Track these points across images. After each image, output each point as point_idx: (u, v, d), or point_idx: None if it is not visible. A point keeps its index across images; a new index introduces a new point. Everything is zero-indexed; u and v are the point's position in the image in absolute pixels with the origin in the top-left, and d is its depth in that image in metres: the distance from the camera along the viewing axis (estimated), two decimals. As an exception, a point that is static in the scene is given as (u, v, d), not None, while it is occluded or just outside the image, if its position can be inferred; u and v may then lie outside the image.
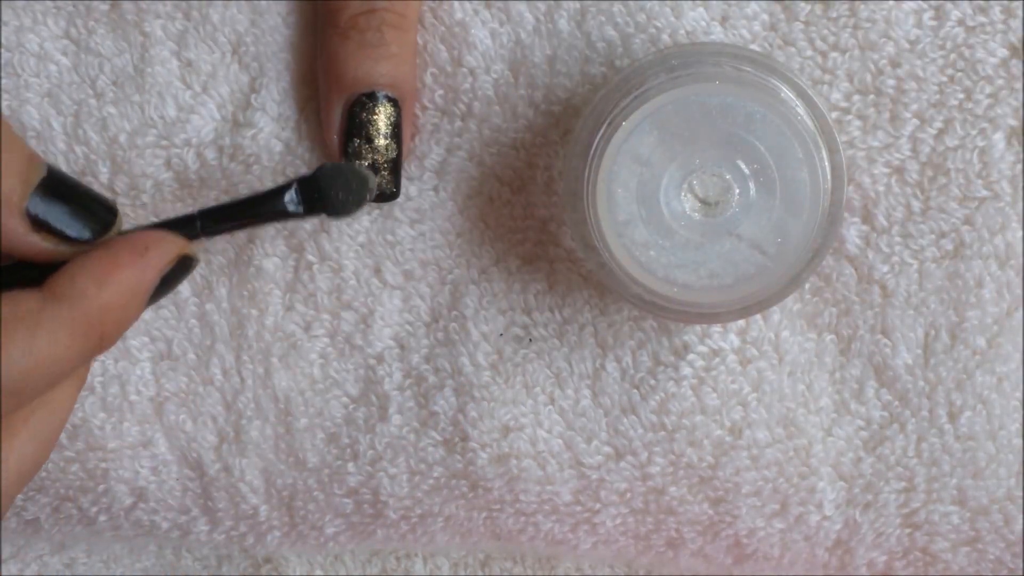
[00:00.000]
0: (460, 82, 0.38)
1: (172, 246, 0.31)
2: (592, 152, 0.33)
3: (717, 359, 0.39)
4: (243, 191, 0.39)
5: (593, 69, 0.38)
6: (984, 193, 0.37)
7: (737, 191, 0.32)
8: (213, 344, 0.40)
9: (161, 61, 0.38)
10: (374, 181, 0.35)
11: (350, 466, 0.40)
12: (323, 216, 0.33)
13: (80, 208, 0.30)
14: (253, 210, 0.33)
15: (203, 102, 0.39)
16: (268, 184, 0.38)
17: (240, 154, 0.39)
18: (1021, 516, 0.39)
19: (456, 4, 0.38)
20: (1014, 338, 0.38)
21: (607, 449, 0.39)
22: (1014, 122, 0.37)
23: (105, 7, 0.38)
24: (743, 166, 0.32)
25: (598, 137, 0.33)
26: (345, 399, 0.40)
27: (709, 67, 0.34)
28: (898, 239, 0.38)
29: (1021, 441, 0.39)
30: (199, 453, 0.40)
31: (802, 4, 0.37)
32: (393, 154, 0.37)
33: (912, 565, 0.40)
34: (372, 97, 0.36)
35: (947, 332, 0.38)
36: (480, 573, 0.44)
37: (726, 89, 0.32)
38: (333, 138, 0.37)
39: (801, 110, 0.33)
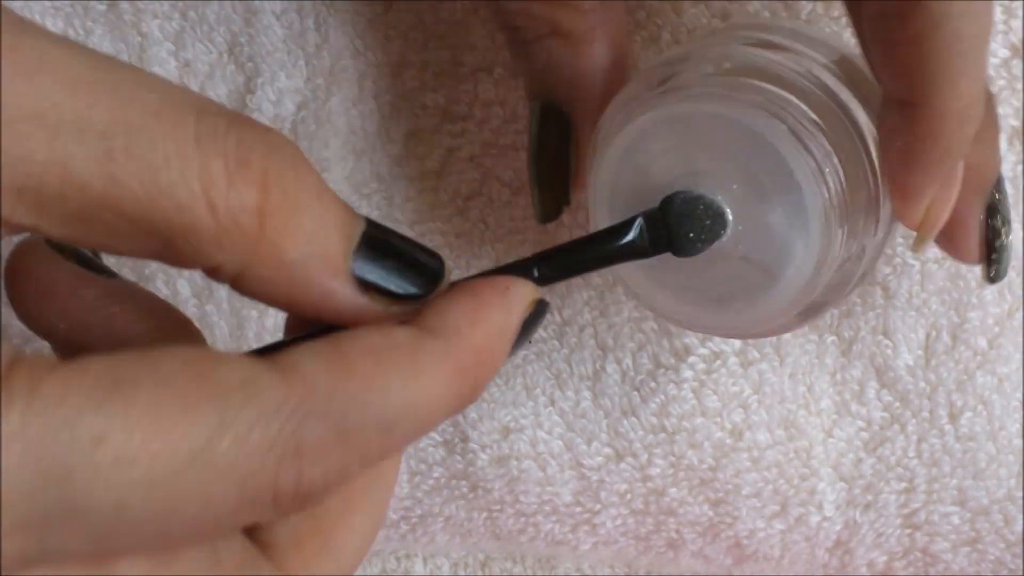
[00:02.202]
0: (461, 82, 0.38)
1: (528, 289, 0.26)
2: (629, 111, 0.30)
3: (718, 361, 0.39)
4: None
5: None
6: (986, 194, 0.37)
7: (732, 216, 0.29)
8: (213, 345, 0.40)
9: (159, 61, 0.38)
10: (727, 215, 0.30)
11: (350, 466, 0.40)
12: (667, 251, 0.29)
13: (407, 262, 0.26)
14: (595, 252, 0.28)
15: (201, 103, 0.38)
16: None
17: (239, 155, 0.38)
18: (1021, 516, 0.39)
19: (456, 4, 0.38)
20: (1015, 339, 0.38)
21: (607, 450, 0.39)
22: (1015, 122, 0.37)
23: (103, 7, 0.38)
24: (744, 182, 0.29)
25: (593, 156, 0.31)
26: (345, 400, 0.40)
27: (710, 82, 0.31)
28: (900, 240, 0.38)
29: (1021, 442, 0.39)
30: (199, 455, 0.40)
31: (804, 3, 0.37)
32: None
33: (912, 565, 0.40)
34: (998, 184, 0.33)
35: (948, 333, 0.38)
36: (480, 573, 0.44)
37: (756, 114, 0.28)
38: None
39: (809, 115, 0.29)
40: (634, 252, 0.28)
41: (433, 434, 0.39)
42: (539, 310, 0.27)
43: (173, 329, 0.27)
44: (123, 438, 0.20)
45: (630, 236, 0.28)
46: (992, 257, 0.33)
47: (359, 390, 0.23)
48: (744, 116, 0.29)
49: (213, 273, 0.24)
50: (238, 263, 0.24)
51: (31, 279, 0.27)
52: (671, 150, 0.29)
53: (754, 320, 0.30)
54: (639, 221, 0.28)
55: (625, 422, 0.39)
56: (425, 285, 0.26)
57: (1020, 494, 0.39)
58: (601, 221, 0.30)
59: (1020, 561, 0.39)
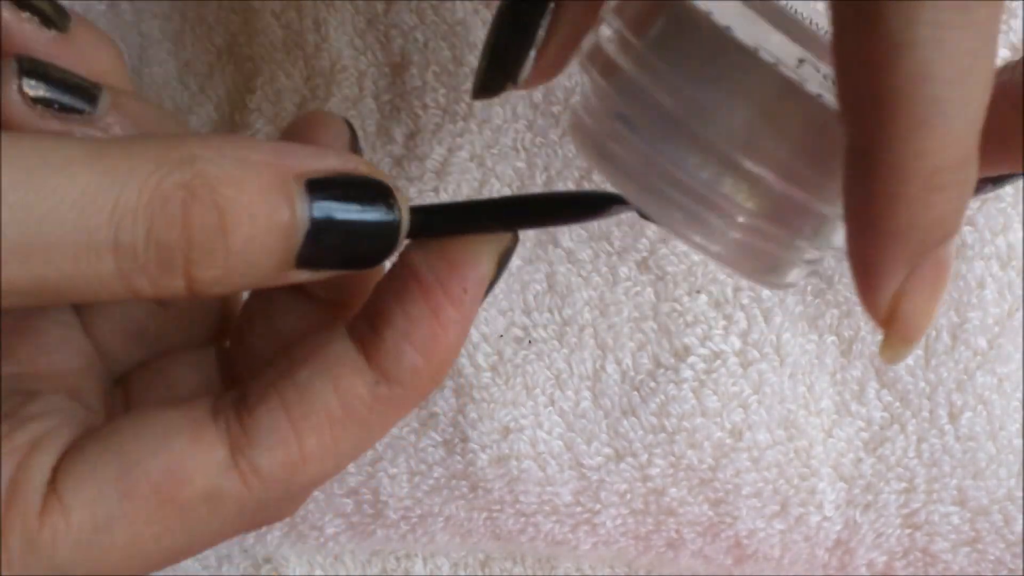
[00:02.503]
0: (461, 82, 0.38)
1: (486, 274, 0.26)
2: None
3: (718, 361, 0.39)
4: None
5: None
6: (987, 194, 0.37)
7: None
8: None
9: (159, 61, 0.38)
10: None
11: (350, 466, 0.40)
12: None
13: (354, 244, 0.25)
14: (565, 208, 0.27)
15: (201, 103, 0.38)
16: None
17: (238, 155, 0.38)
18: (1021, 516, 0.39)
19: (457, 4, 0.37)
20: (1015, 339, 0.38)
21: (607, 450, 0.39)
22: (1016, 122, 0.37)
23: (102, 7, 0.38)
24: None
25: None
26: (345, 400, 0.40)
27: None
28: (899, 240, 0.38)
29: (1021, 442, 0.39)
30: (198, 455, 0.40)
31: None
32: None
33: (912, 565, 0.40)
34: None
35: (948, 333, 0.38)
36: (480, 573, 0.44)
37: None
38: None
39: None
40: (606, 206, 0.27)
41: (433, 434, 0.39)
42: (503, 263, 0.27)
43: None
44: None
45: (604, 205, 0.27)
46: None
47: (312, 472, 0.26)
48: None
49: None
50: None
51: None
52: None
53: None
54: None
55: (625, 422, 0.39)
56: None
57: (1020, 494, 0.39)
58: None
59: (1020, 561, 0.39)
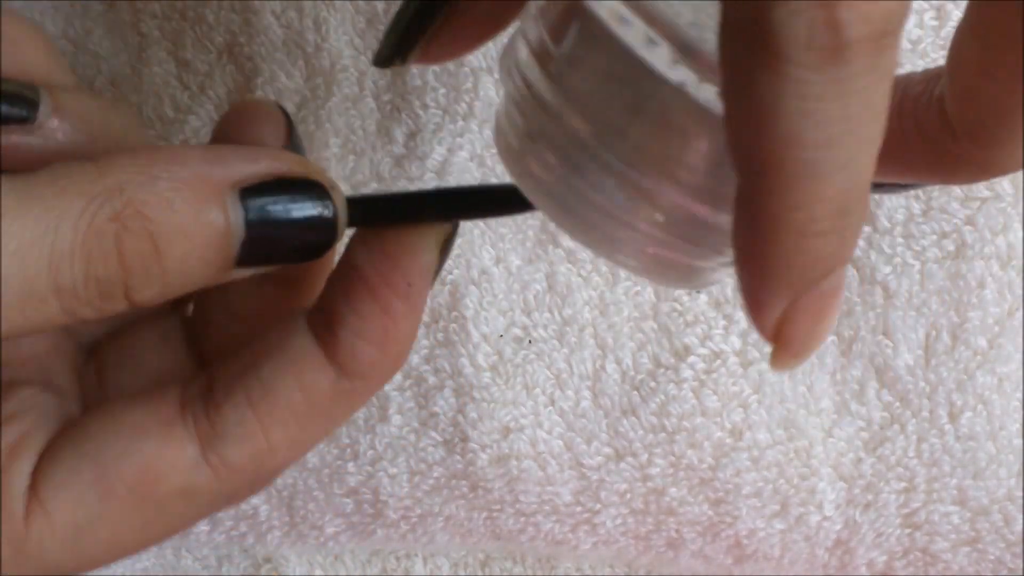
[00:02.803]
0: (462, 82, 0.38)
1: (431, 265, 0.27)
2: None
3: (718, 361, 0.39)
4: None
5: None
6: (985, 193, 0.37)
7: None
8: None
9: (158, 61, 0.38)
10: None
11: (350, 466, 0.40)
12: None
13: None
14: (487, 204, 0.28)
15: (201, 103, 0.38)
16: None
17: (238, 155, 0.38)
18: (1021, 516, 0.39)
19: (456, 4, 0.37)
20: (1015, 339, 0.38)
21: (607, 450, 0.39)
22: (1016, 122, 0.37)
23: (101, 7, 0.38)
24: None
25: None
26: (345, 400, 0.40)
27: None
28: (900, 240, 0.38)
29: (1021, 441, 0.39)
30: (198, 455, 0.40)
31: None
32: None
33: (912, 565, 0.40)
34: None
35: (948, 333, 0.38)
36: (480, 573, 0.44)
37: None
38: None
39: None
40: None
41: (433, 434, 0.39)
42: (445, 252, 0.27)
43: None
44: None
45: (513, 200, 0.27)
46: None
47: (279, 463, 0.27)
48: None
49: None
50: None
51: None
52: None
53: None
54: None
55: (625, 422, 0.39)
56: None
57: (1020, 494, 0.39)
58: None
59: (1020, 561, 0.39)
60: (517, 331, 0.39)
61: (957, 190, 0.37)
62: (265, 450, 0.26)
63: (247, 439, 0.26)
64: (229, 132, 0.27)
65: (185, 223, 0.24)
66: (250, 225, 0.24)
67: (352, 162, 0.39)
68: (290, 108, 0.38)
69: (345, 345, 0.26)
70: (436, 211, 0.27)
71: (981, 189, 0.37)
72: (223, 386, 0.26)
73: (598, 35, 0.24)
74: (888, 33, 0.18)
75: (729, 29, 0.19)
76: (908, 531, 0.40)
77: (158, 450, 0.26)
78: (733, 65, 0.19)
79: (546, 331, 0.39)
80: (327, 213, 0.25)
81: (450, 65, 0.38)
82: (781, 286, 0.21)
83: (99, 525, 0.25)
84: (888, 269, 0.38)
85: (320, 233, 0.26)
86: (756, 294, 0.21)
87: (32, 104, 0.26)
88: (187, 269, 0.24)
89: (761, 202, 0.20)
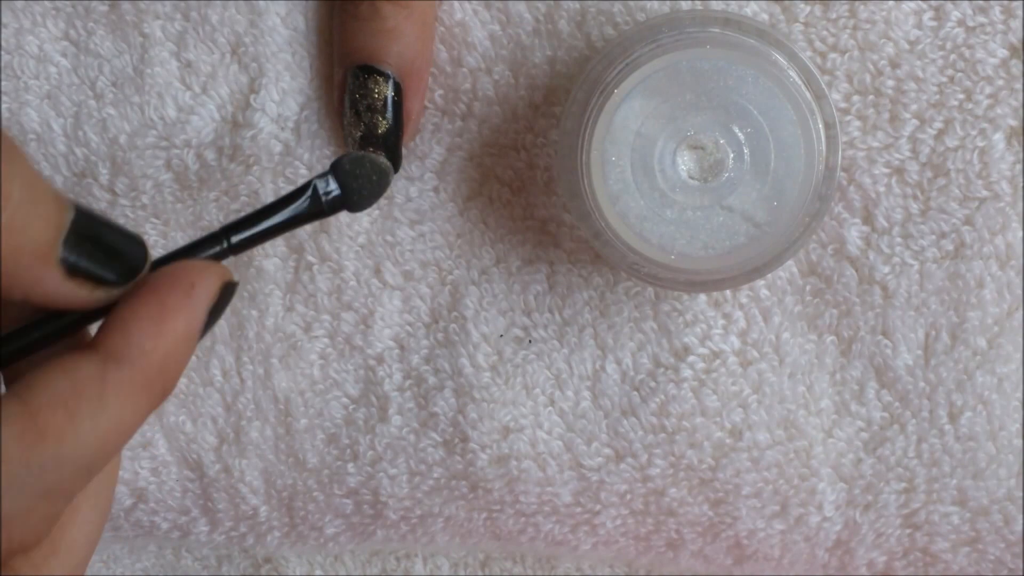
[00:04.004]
0: (460, 82, 0.38)
1: (215, 278, 0.28)
2: (585, 121, 0.33)
3: (718, 361, 0.39)
4: (244, 192, 0.38)
5: (593, 70, 0.38)
6: (984, 193, 0.37)
7: (732, 156, 0.32)
8: (213, 345, 0.40)
9: (161, 62, 0.38)
10: (391, 170, 0.34)
11: (350, 467, 0.40)
12: (344, 211, 0.32)
13: (111, 250, 0.28)
14: (277, 216, 0.31)
15: (203, 103, 0.39)
16: (270, 186, 0.38)
17: (240, 155, 0.39)
18: (1021, 516, 0.39)
19: (456, 4, 0.38)
20: (1015, 339, 0.38)
21: (607, 451, 0.39)
22: (1014, 122, 0.37)
23: (104, 8, 0.38)
24: (737, 131, 0.32)
25: (591, 106, 0.33)
26: (345, 400, 0.40)
27: (698, 32, 0.34)
28: (899, 240, 0.38)
29: (1021, 442, 0.39)
30: (199, 454, 0.40)
31: (801, 5, 0.37)
32: (385, 128, 0.36)
33: (912, 565, 0.40)
34: (367, 69, 0.36)
35: (948, 333, 0.38)
36: (480, 573, 0.44)
37: (716, 53, 0.32)
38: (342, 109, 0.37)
39: (793, 73, 0.33)
40: (312, 214, 0.31)
41: (433, 434, 0.40)
42: (227, 292, 0.29)
43: None
44: None
45: (306, 199, 0.31)
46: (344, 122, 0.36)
47: (53, 449, 0.25)
48: (733, 66, 0.32)
49: None
50: None
51: None
52: (661, 105, 0.32)
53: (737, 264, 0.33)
54: (312, 184, 0.31)
55: (625, 422, 0.39)
56: (127, 272, 0.28)
57: (1020, 494, 0.39)
58: (597, 180, 0.32)
59: (1020, 561, 0.39)
60: (517, 331, 0.39)
61: (955, 190, 0.37)
62: (33, 433, 0.25)
63: (11, 420, 0.25)
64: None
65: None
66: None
67: (353, 162, 0.39)
68: (294, 108, 0.38)
69: (116, 326, 0.27)
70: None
71: (980, 189, 0.37)
72: None
73: None
74: None
75: None
76: (908, 531, 0.39)
77: None
78: None
79: (546, 331, 0.39)
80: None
81: (447, 66, 0.38)
82: None
83: None
84: (887, 269, 0.38)
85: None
86: None
87: None
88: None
89: None
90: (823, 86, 0.33)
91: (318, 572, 0.45)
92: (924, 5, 0.37)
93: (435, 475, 0.40)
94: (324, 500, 0.41)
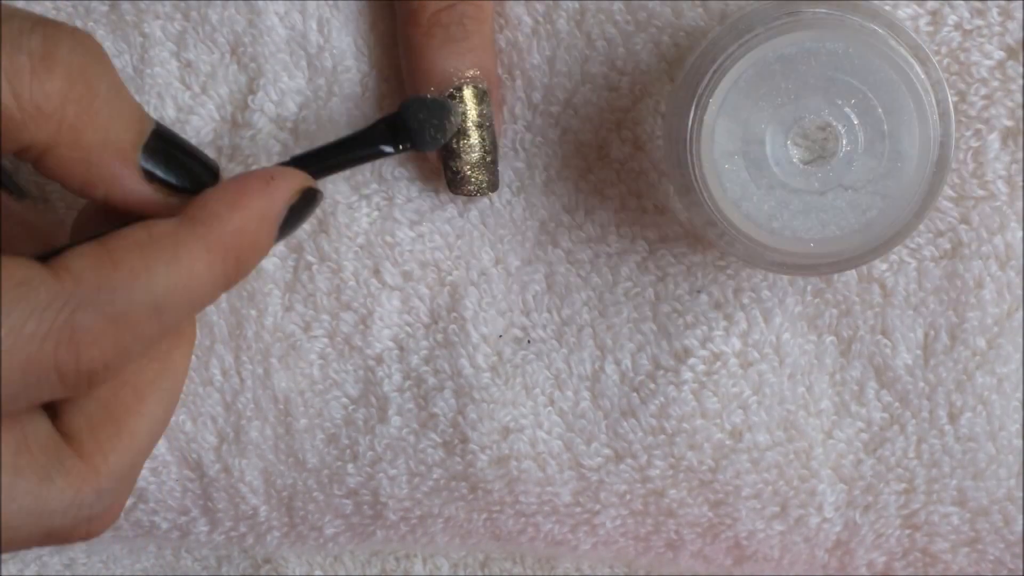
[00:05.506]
0: (460, 83, 0.38)
1: (296, 178, 0.31)
2: (697, 100, 0.32)
3: (718, 362, 0.39)
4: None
5: (593, 68, 0.38)
6: (979, 193, 0.37)
7: (845, 139, 0.32)
8: (212, 345, 0.40)
9: (160, 62, 0.38)
10: (457, 111, 0.36)
11: (350, 467, 0.40)
12: (411, 150, 0.34)
13: (187, 161, 0.31)
14: (345, 153, 0.34)
15: (202, 103, 0.39)
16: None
17: (239, 155, 0.39)
18: (1021, 517, 0.39)
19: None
20: (1014, 339, 0.38)
21: (607, 451, 0.39)
22: (1009, 122, 0.37)
23: (104, 8, 0.38)
24: (851, 114, 0.32)
25: (703, 84, 0.32)
26: (344, 400, 0.40)
27: (814, 14, 0.33)
28: (898, 240, 0.38)
29: (1021, 442, 0.39)
30: (199, 454, 0.40)
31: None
32: (488, 146, 0.37)
33: (912, 566, 0.40)
34: (460, 91, 0.36)
35: (947, 333, 0.38)
36: (480, 573, 0.44)
37: (833, 35, 0.31)
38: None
39: (906, 51, 0.32)
40: (380, 152, 0.34)
41: (432, 435, 0.39)
42: (308, 198, 0.31)
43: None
44: None
45: (376, 137, 0.34)
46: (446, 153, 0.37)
47: (125, 279, 0.27)
48: (848, 48, 0.31)
49: (22, 154, 0.28)
50: (42, 144, 0.28)
51: None
52: (775, 87, 0.32)
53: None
54: (381, 124, 0.34)
55: (624, 423, 0.39)
56: (200, 180, 0.31)
57: (1020, 494, 0.39)
58: (706, 161, 0.32)
59: (1020, 561, 0.39)
60: (516, 332, 0.39)
61: (949, 190, 0.37)
62: (106, 260, 0.27)
63: (88, 252, 0.27)
64: None
65: None
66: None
67: (353, 162, 0.39)
68: (292, 108, 0.39)
69: (195, 201, 0.29)
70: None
71: (974, 188, 0.37)
72: None
73: None
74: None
75: None
76: (908, 532, 0.39)
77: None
78: None
79: (545, 332, 0.39)
80: None
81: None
82: None
83: None
84: (884, 267, 0.38)
85: None
86: None
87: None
88: None
89: None
90: (918, 41, 0.33)
91: (318, 572, 0.45)
92: (920, 10, 0.37)
93: (435, 476, 0.40)
94: (324, 500, 0.41)
